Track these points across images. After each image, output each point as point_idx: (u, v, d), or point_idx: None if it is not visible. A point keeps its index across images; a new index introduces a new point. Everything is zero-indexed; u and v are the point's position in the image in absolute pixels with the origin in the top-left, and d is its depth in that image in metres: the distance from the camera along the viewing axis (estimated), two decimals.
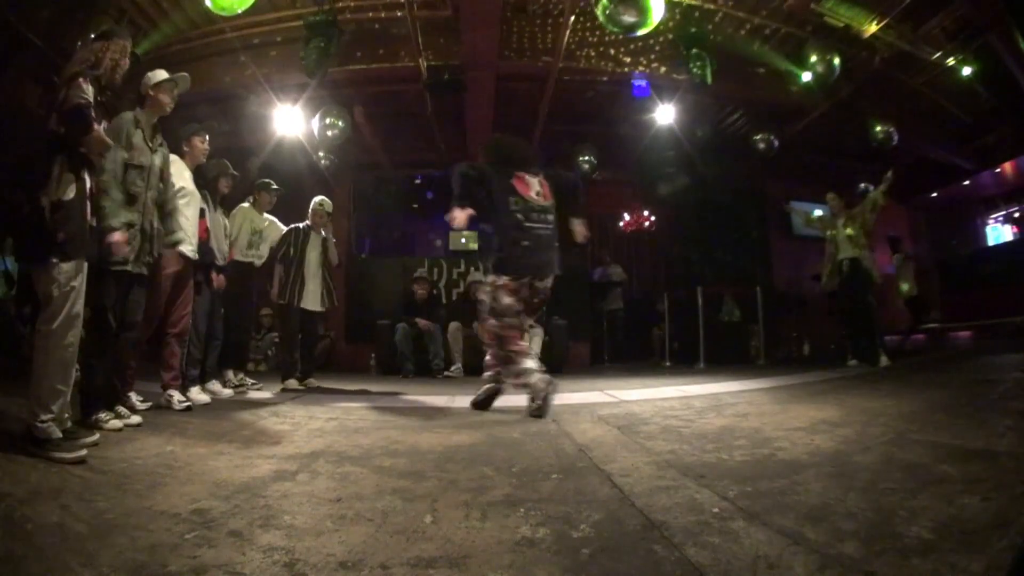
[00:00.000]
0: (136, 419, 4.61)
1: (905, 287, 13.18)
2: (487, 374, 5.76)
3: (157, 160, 4.93)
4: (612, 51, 11.21)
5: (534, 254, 5.58)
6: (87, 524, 2.31)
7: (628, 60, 11.30)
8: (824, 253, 10.03)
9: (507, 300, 5.48)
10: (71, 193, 3.50)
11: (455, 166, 5.83)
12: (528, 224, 5.59)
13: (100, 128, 3.70)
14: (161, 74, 5.15)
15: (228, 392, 6.93)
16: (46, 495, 2.61)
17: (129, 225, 4.62)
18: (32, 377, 3.38)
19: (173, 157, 5.47)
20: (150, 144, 4.89)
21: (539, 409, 5.19)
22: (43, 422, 3.28)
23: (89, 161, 3.70)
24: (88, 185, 3.67)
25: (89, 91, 3.59)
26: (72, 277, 3.47)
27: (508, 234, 5.53)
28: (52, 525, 2.29)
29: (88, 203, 3.67)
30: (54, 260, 3.42)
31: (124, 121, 4.76)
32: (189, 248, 5.71)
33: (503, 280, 5.48)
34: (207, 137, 6.07)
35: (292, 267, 7.91)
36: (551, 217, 5.78)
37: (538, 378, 5.34)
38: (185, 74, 5.32)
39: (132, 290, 4.78)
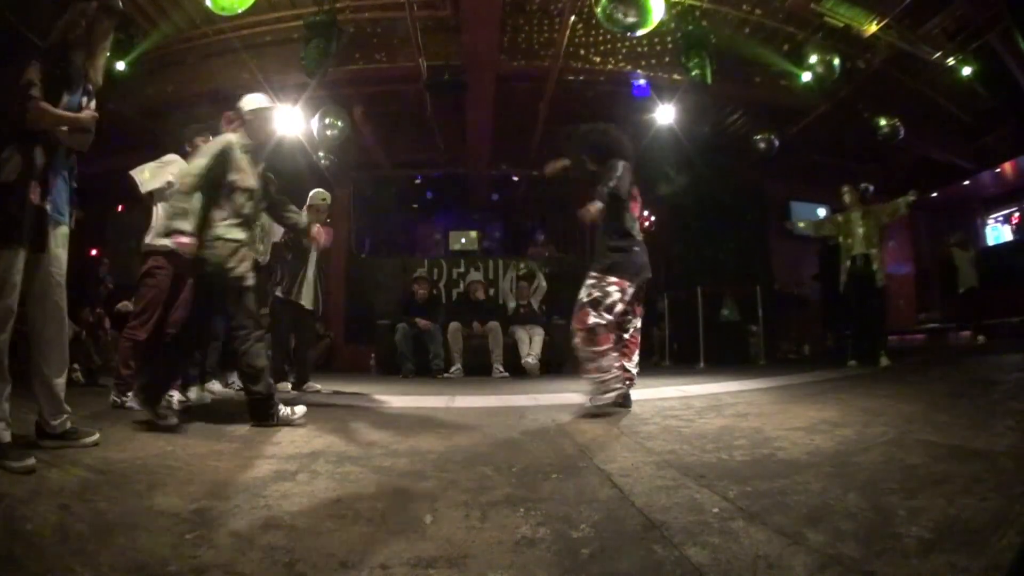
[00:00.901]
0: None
1: (967, 281, 13.08)
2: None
3: (259, 184, 5.03)
4: (612, 51, 11.22)
5: (642, 258, 5.61)
6: (87, 524, 2.32)
7: (628, 60, 11.31)
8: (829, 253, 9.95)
9: (616, 297, 5.33)
10: (12, 176, 3.33)
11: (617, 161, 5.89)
12: (636, 233, 5.72)
13: (50, 106, 3.47)
14: (257, 100, 5.15)
15: (229, 392, 6.89)
16: (46, 495, 2.62)
17: (241, 244, 4.83)
18: None
19: (175, 157, 5.43)
20: (254, 168, 4.98)
21: (595, 407, 5.19)
22: None
23: (45, 143, 3.51)
24: (40, 164, 3.46)
25: (33, 71, 3.45)
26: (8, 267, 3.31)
27: (626, 239, 5.59)
28: (52, 525, 2.29)
29: (38, 187, 3.45)
30: None
31: (225, 144, 4.85)
32: None
33: (614, 279, 5.37)
34: (210, 137, 5.69)
35: (296, 259, 7.70)
36: None
37: (617, 389, 5.27)
38: (277, 106, 5.44)
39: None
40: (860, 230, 9.34)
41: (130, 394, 5.12)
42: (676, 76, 11.13)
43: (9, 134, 3.42)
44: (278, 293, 7.68)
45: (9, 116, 3.42)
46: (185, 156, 5.68)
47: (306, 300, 7.77)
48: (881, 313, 9.24)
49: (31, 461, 3.07)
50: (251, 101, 5.11)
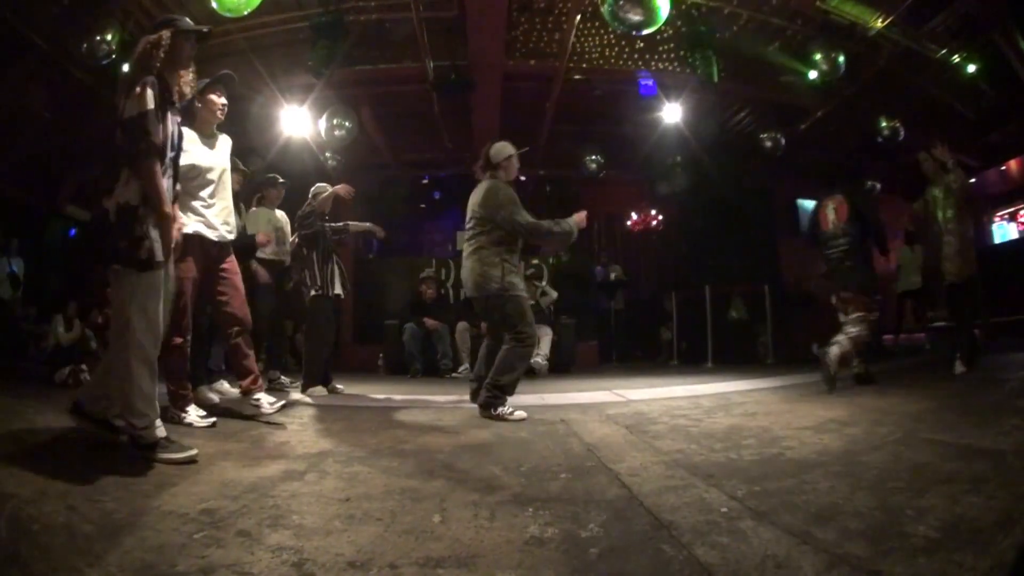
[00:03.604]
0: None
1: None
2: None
3: None
4: (618, 50, 11.21)
5: None
6: (94, 524, 2.32)
7: (634, 59, 11.30)
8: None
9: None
10: (136, 199, 3.36)
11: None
12: None
13: (158, 173, 3.40)
14: (505, 148, 5.83)
15: (235, 392, 6.75)
16: (53, 495, 2.62)
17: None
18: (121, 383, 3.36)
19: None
20: None
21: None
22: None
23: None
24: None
25: (150, 97, 3.38)
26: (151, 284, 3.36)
27: None
28: (59, 525, 2.29)
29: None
30: (116, 267, 3.32)
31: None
32: (211, 232, 4.97)
33: None
34: (222, 90, 5.35)
35: (321, 250, 7.34)
36: None
37: None
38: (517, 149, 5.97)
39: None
40: (940, 211, 7.52)
41: (189, 409, 4.71)
42: (682, 74, 11.12)
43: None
44: (314, 292, 7.26)
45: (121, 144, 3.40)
46: (192, 120, 5.04)
47: (339, 289, 7.50)
48: (964, 308, 7.52)
49: (193, 452, 3.38)
50: (501, 150, 5.77)
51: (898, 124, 12.24)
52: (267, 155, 11.64)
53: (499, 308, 5.46)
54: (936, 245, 7.55)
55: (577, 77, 11.50)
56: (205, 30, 3.86)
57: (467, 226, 5.81)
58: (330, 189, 7.42)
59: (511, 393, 5.34)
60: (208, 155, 5.06)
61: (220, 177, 5.11)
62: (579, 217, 5.69)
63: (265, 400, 5.15)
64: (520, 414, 5.16)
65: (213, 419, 4.67)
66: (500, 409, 5.16)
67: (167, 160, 3.56)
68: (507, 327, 5.45)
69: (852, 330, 6.44)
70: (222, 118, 5.27)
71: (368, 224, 8.23)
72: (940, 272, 7.47)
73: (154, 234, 3.34)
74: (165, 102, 3.53)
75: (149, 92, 3.38)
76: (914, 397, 5.29)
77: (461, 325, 10.89)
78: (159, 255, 3.32)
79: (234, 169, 6.21)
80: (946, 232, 7.39)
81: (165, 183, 3.56)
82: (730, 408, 5.28)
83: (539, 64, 11.05)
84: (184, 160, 4.52)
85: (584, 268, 14.51)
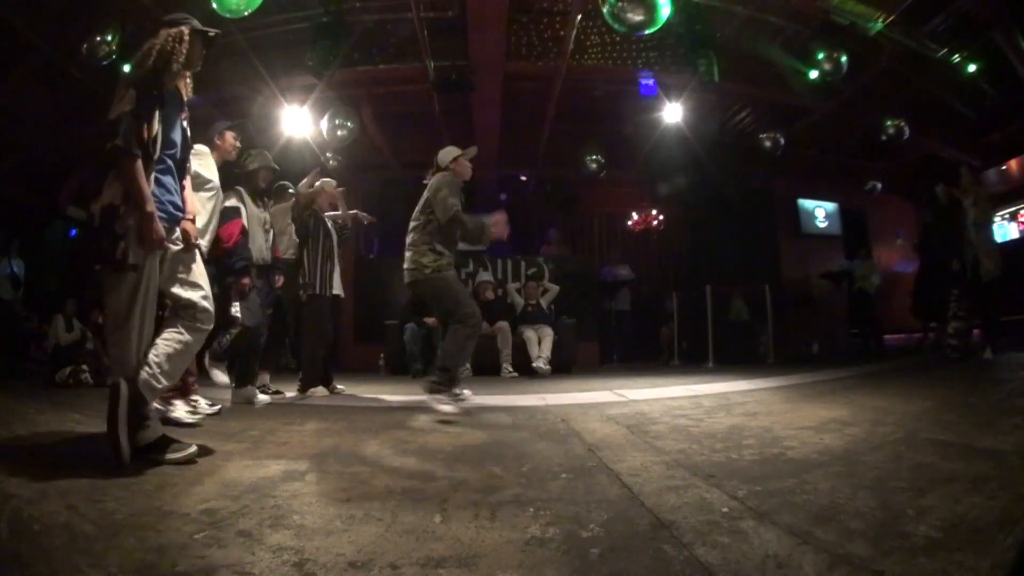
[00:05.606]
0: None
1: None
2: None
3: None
4: (619, 50, 11.21)
5: None
6: (95, 525, 2.31)
7: (635, 59, 11.30)
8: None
9: None
10: (118, 199, 3.32)
11: None
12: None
13: (140, 174, 3.32)
14: (451, 151, 6.16)
15: (264, 399, 6.58)
16: (53, 496, 2.62)
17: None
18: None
19: (203, 148, 5.12)
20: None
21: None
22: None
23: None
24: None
25: (128, 99, 3.33)
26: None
27: None
28: (60, 526, 2.29)
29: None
30: (98, 267, 3.32)
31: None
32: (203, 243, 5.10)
33: None
34: (233, 132, 5.61)
35: (318, 249, 7.42)
36: None
37: None
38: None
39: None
40: (970, 219, 8.69)
41: (176, 402, 4.77)
42: (683, 74, 11.12)
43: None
44: (312, 291, 7.31)
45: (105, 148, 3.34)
46: (212, 149, 5.38)
47: (339, 289, 7.61)
48: (985, 304, 8.69)
49: (193, 451, 3.38)
50: (448, 153, 6.09)
51: (903, 123, 12.22)
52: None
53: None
54: (969, 247, 8.69)
55: (578, 77, 11.51)
56: (212, 34, 3.85)
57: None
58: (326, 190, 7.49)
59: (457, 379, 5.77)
60: (215, 172, 5.32)
61: (216, 194, 5.36)
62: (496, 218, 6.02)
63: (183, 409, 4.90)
64: (447, 408, 5.42)
65: (200, 415, 4.84)
66: (438, 396, 5.51)
67: (158, 158, 3.51)
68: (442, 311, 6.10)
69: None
70: (232, 158, 5.69)
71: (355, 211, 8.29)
72: (978, 273, 8.43)
73: (132, 235, 3.29)
74: (156, 101, 3.47)
75: (130, 93, 3.36)
76: (914, 397, 5.28)
77: None
78: (132, 257, 3.27)
79: (266, 166, 6.35)
80: (980, 236, 8.52)
81: (168, 181, 3.61)
82: (731, 408, 5.27)
83: (539, 64, 11.06)
84: (205, 174, 5.05)
85: (586, 268, 14.51)
